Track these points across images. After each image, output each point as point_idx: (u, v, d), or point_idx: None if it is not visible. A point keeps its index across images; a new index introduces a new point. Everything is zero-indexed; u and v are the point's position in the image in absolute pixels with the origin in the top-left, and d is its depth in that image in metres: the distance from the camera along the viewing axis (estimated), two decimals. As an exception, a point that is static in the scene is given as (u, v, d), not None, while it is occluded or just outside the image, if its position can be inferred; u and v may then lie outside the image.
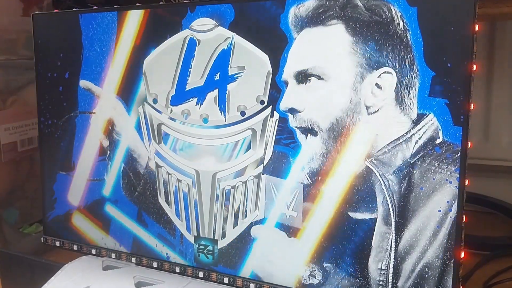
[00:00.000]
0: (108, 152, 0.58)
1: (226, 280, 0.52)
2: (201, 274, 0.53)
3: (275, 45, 0.46)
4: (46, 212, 0.63)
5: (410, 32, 0.40)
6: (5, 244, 0.70)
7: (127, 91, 0.56)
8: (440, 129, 0.40)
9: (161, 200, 0.55)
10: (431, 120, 0.41)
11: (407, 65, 0.41)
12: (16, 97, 0.77)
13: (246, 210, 0.50)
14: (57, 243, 0.63)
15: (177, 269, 0.55)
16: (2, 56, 0.74)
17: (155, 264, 0.56)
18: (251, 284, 0.50)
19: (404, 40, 0.41)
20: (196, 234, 0.53)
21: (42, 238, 0.64)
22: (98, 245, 0.59)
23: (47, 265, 0.61)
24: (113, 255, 0.59)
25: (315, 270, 0.47)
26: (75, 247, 0.61)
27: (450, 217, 0.41)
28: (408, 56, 0.41)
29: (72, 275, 0.58)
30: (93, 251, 0.60)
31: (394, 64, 0.41)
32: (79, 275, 0.57)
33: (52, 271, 0.58)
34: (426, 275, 0.42)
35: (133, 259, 0.57)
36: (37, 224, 0.78)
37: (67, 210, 0.62)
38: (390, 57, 0.41)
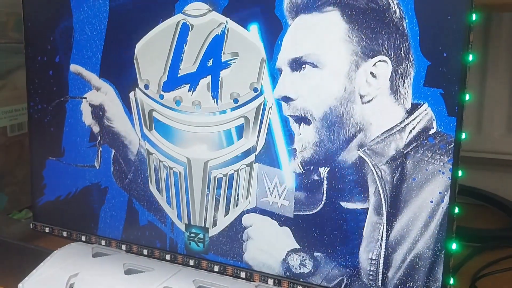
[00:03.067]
0: (99, 138, 0.57)
1: (216, 268, 0.52)
2: (191, 262, 0.53)
3: (270, 31, 0.46)
4: (35, 198, 0.62)
5: (406, 21, 0.40)
6: (-7, 229, 0.70)
7: (119, 76, 0.55)
8: (434, 119, 0.40)
9: (152, 187, 0.54)
10: (426, 110, 0.40)
11: (403, 54, 0.40)
12: (5, 81, 0.76)
13: (237, 199, 0.50)
14: (47, 230, 0.62)
15: (167, 257, 0.54)
16: (-9, 39, 0.73)
17: (145, 252, 0.56)
18: (241, 273, 0.50)
19: (400, 28, 0.40)
20: (187, 222, 0.53)
21: (31, 224, 0.63)
22: (88, 231, 0.59)
23: (36, 251, 0.60)
24: (103, 242, 0.58)
25: (305, 259, 0.47)
26: (64, 234, 0.61)
27: (442, 208, 0.41)
28: (404, 45, 0.40)
29: (61, 261, 0.57)
30: (83, 238, 0.59)
31: (390, 53, 0.41)
32: (69, 261, 0.57)
33: (41, 257, 0.58)
34: (417, 266, 0.42)
35: (123, 246, 0.57)
36: (26, 210, 0.78)
37: (57, 196, 0.61)
38: (385, 46, 0.41)
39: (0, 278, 0.63)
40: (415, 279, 0.42)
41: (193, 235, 0.53)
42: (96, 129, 0.57)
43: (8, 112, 0.76)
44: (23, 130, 0.78)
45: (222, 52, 0.48)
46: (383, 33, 0.41)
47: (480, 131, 0.83)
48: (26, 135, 0.73)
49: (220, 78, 0.49)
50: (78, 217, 0.60)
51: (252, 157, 0.49)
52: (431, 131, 0.40)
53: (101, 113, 0.56)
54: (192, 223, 0.53)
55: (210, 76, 0.49)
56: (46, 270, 0.56)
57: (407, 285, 0.43)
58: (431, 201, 0.41)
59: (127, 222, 0.56)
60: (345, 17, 0.42)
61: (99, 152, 0.57)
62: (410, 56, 0.40)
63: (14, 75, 0.76)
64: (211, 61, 0.49)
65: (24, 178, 0.78)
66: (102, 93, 0.56)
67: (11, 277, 0.59)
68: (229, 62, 0.48)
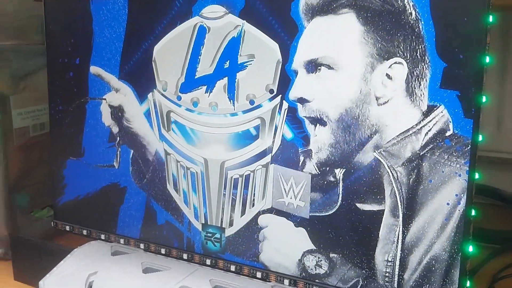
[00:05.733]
0: (118, 138, 0.58)
1: (233, 268, 0.52)
2: (208, 262, 0.54)
3: (286, 33, 0.46)
4: (56, 197, 0.64)
5: (422, 22, 0.40)
6: (16, 228, 0.71)
7: (137, 78, 0.56)
8: (450, 121, 0.40)
9: (170, 187, 0.55)
10: (442, 112, 0.40)
11: (419, 56, 0.40)
12: (28, 82, 0.78)
13: (253, 199, 0.50)
14: (67, 228, 0.63)
15: (185, 256, 0.55)
16: (14, 40, 0.75)
17: (162, 251, 0.56)
18: (257, 273, 0.51)
19: (416, 30, 0.40)
20: (203, 222, 0.54)
21: (52, 223, 0.65)
22: (107, 230, 0.60)
23: (56, 249, 0.62)
24: (121, 241, 0.59)
25: (321, 260, 0.47)
26: (84, 232, 0.62)
27: (459, 210, 0.40)
28: (420, 47, 0.40)
29: (81, 259, 0.58)
30: (102, 237, 0.61)
31: (405, 55, 0.41)
32: (88, 260, 0.58)
33: (62, 255, 0.59)
34: (433, 268, 0.42)
35: (141, 245, 0.58)
36: (48, 208, 0.79)
37: (77, 195, 0.62)
38: (401, 47, 0.41)
39: (22, 275, 0.64)
40: (431, 282, 0.42)
41: (210, 234, 0.53)
42: (115, 129, 0.58)
43: (30, 112, 0.78)
44: (45, 130, 0.79)
45: (239, 54, 0.48)
46: (398, 35, 0.41)
47: (500, 131, 0.82)
48: (47, 135, 0.75)
49: (236, 80, 0.49)
50: (98, 216, 0.61)
51: (268, 158, 0.49)
52: (448, 133, 0.40)
53: (120, 114, 0.57)
54: (209, 223, 0.53)
55: (226, 78, 0.50)
56: (66, 268, 0.57)
57: (423, 287, 0.43)
58: (448, 203, 0.41)
59: (145, 221, 0.57)
60: (360, 19, 0.42)
61: (118, 152, 0.58)
62: (426, 58, 0.40)
63: (36, 76, 0.78)
64: (227, 63, 0.49)
65: (46, 177, 0.79)
66: (121, 94, 0.57)
67: (33, 274, 0.60)
68: (245, 64, 0.48)
